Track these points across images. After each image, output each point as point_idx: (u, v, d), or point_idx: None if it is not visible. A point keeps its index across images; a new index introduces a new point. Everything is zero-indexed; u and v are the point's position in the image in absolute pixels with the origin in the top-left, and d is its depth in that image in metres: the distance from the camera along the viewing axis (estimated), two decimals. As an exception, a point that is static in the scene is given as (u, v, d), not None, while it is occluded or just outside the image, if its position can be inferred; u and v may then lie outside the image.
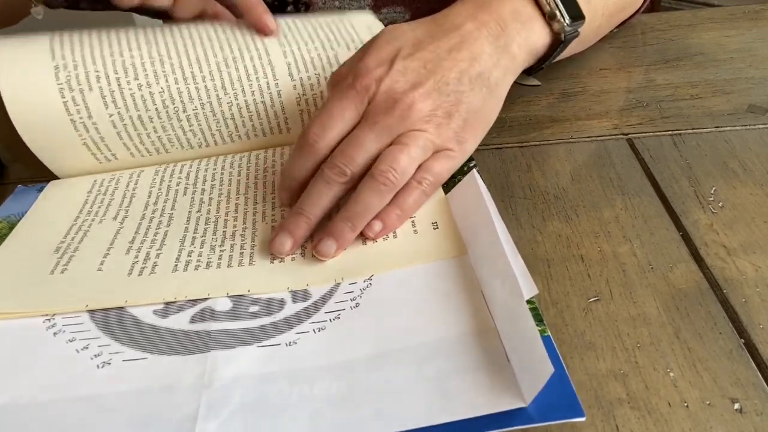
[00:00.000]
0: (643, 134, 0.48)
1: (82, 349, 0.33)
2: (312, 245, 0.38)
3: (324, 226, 0.39)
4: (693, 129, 0.48)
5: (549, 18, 0.44)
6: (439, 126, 0.39)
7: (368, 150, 0.38)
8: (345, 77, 0.40)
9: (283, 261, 0.38)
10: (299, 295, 0.36)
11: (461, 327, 0.32)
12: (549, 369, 0.27)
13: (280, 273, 0.37)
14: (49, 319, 0.35)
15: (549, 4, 0.43)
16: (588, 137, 0.48)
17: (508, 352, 0.31)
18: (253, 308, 0.35)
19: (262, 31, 0.48)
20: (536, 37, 0.44)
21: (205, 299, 0.36)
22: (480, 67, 0.40)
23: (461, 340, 0.32)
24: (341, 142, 0.39)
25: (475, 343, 0.32)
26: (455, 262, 0.36)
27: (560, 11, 0.43)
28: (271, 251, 0.38)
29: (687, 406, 0.30)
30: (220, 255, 0.39)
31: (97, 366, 0.33)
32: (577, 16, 0.44)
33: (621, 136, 0.48)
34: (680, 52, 0.58)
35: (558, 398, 0.28)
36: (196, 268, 0.38)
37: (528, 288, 0.32)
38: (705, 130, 0.48)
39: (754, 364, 0.31)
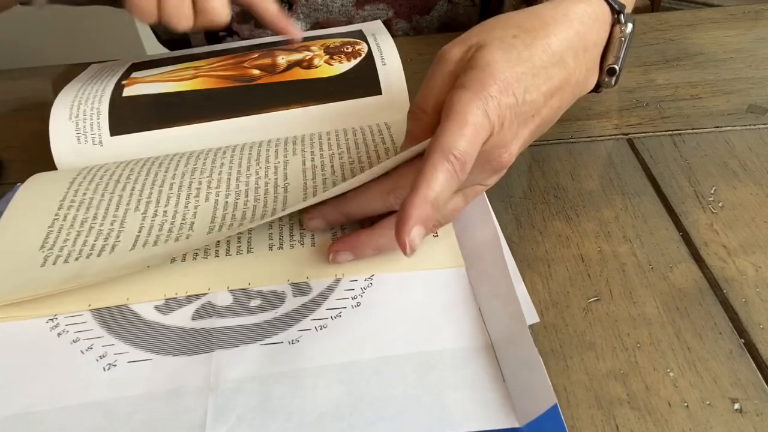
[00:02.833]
0: (643, 134, 0.48)
1: (86, 350, 0.34)
2: (332, 253, 0.37)
3: (349, 238, 0.37)
4: (693, 129, 0.48)
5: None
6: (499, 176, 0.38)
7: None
8: (490, 132, 0.34)
9: (282, 248, 0.38)
10: (299, 289, 0.36)
11: (460, 340, 0.33)
12: (551, 399, 0.28)
13: (279, 263, 0.38)
14: (51, 319, 0.35)
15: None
16: (588, 137, 0.48)
17: (504, 371, 0.31)
18: (254, 302, 0.36)
19: (289, 39, 0.51)
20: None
21: (206, 293, 0.36)
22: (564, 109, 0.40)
23: (459, 354, 0.32)
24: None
25: (472, 358, 0.32)
26: (453, 274, 0.36)
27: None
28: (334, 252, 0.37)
29: (687, 406, 0.30)
30: (218, 242, 0.39)
31: (103, 369, 0.33)
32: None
33: (621, 136, 0.48)
34: (680, 52, 0.58)
35: (548, 428, 0.29)
36: (195, 257, 0.38)
37: (529, 314, 0.33)
38: (705, 130, 0.48)
39: (754, 364, 0.31)
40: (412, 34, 0.68)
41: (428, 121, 0.36)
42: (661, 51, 0.58)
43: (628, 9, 0.43)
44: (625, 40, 0.40)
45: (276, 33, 0.50)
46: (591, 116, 0.50)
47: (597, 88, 0.42)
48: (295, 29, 0.51)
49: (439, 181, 0.31)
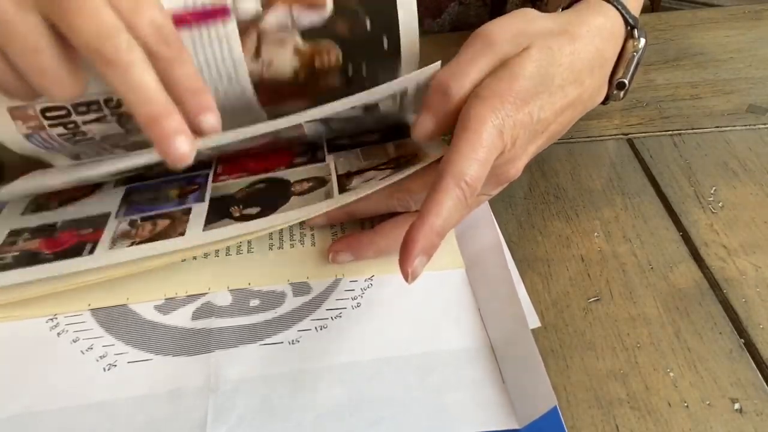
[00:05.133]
0: (643, 134, 0.48)
1: (87, 350, 0.34)
2: (332, 253, 0.37)
3: (349, 239, 0.37)
4: (693, 129, 0.48)
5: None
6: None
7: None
8: (502, 145, 0.33)
9: (282, 248, 0.38)
10: (299, 288, 0.36)
11: (460, 342, 0.33)
12: (551, 401, 0.28)
13: (280, 264, 0.38)
14: (51, 319, 0.35)
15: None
16: (588, 137, 0.48)
17: (503, 373, 0.31)
18: (254, 302, 0.36)
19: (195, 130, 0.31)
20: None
21: (206, 293, 0.36)
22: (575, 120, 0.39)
23: (459, 355, 0.32)
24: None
25: (472, 359, 0.32)
26: (453, 275, 0.37)
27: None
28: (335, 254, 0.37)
29: (687, 406, 0.30)
30: None
31: (104, 369, 0.33)
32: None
33: (621, 136, 0.48)
34: (680, 52, 0.58)
35: (548, 429, 0.29)
36: (194, 257, 0.38)
37: (530, 318, 0.33)
38: (705, 130, 0.48)
39: (754, 364, 0.31)
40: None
41: (455, 104, 0.34)
42: (661, 51, 0.58)
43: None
44: (637, 54, 0.40)
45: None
46: (591, 116, 0.50)
47: (605, 101, 0.42)
48: (210, 118, 0.31)
49: (448, 208, 0.30)
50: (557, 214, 0.41)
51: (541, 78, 0.34)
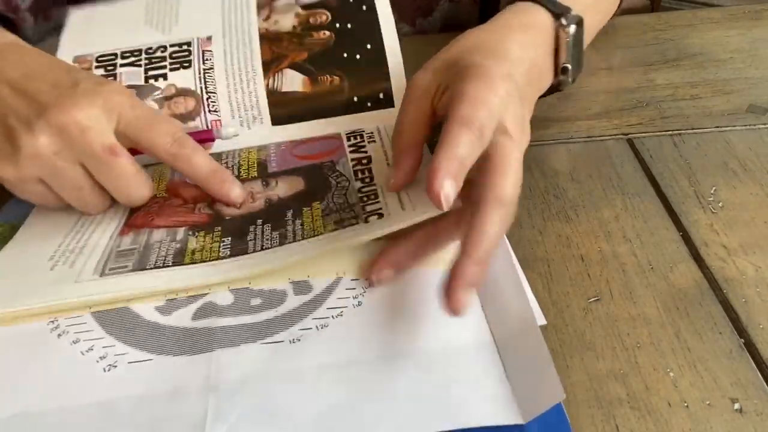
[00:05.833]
0: (643, 134, 0.48)
1: (87, 351, 0.33)
2: (375, 275, 0.36)
3: (389, 256, 0.36)
4: (693, 129, 0.48)
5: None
6: None
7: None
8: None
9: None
10: (300, 287, 0.36)
11: (463, 338, 0.33)
12: (560, 395, 0.28)
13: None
14: (52, 321, 0.35)
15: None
16: (588, 137, 0.48)
17: (507, 368, 0.31)
18: (255, 301, 0.35)
19: (226, 203, 0.41)
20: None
21: (206, 293, 0.36)
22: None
23: (462, 351, 0.32)
24: None
25: (474, 355, 0.32)
26: None
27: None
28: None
29: (687, 406, 0.30)
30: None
31: (104, 369, 0.33)
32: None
33: (621, 136, 0.48)
34: (680, 52, 0.58)
35: (552, 425, 0.29)
36: None
37: (536, 316, 0.33)
38: (705, 130, 0.48)
39: (754, 364, 0.31)
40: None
41: (409, 138, 0.38)
42: (661, 51, 0.58)
43: (583, 8, 0.44)
44: (570, 40, 0.42)
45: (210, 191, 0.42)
46: (591, 116, 0.50)
47: (558, 87, 0.45)
48: (235, 189, 0.41)
49: (461, 142, 0.32)
50: (557, 214, 0.41)
51: (500, 58, 0.37)
